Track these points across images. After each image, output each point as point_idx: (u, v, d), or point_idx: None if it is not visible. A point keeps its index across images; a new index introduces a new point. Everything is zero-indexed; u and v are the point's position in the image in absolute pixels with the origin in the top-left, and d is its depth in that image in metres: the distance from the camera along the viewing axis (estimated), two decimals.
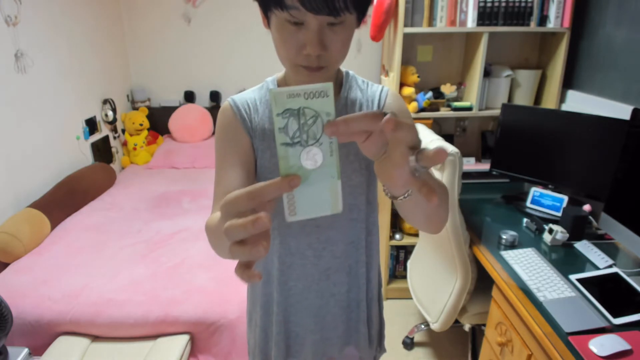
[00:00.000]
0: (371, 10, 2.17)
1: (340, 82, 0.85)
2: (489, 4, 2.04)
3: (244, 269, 0.41)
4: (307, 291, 0.91)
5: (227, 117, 0.82)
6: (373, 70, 2.93)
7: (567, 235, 1.59)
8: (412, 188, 0.46)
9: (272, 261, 0.90)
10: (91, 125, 2.64)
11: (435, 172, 1.56)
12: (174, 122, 3.01)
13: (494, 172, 2.05)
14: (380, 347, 1.06)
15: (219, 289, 1.64)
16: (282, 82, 0.85)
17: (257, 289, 0.95)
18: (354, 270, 0.93)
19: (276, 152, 0.42)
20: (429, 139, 1.61)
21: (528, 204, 1.89)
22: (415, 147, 0.43)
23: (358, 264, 0.92)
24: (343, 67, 0.85)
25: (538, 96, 2.31)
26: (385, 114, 0.42)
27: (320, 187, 0.43)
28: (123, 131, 3.02)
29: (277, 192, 0.40)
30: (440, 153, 0.40)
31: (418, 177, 0.44)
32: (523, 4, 2.05)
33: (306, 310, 0.93)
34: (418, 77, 2.26)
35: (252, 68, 3.03)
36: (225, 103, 0.84)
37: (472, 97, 2.24)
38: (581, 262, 1.50)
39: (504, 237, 1.60)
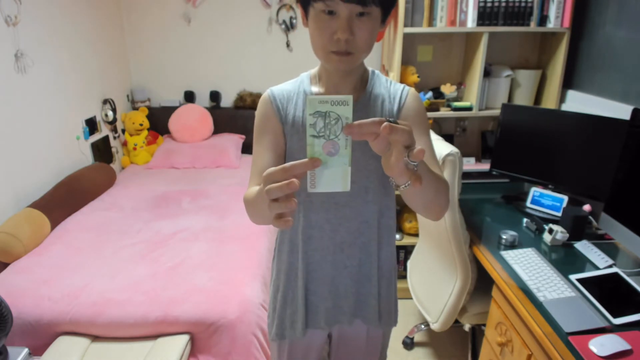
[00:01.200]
0: None
1: (366, 79, 0.96)
2: (489, 4, 2.04)
3: (279, 219, 0.58)
4: (324, 261, 1.02)
5: (265, 106, 0.96)
6: None
7: (567, 235, 1.59)
8: (406, 177, 0.60)
9: (297, 233, 1.02)
10: (91, 125, 2.64)
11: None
12: (174, 122, 3.01)
13: (494, 172, 2.05)
14: (389, 322, 1.11)
15: (219, 289, 1.64)
16: (314, 77, 0.97)
17: (284, 258, 1.06)
18: (366, 247, 1.02)
19: (302, 137, 0.56)
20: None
21: (528, 204, 1.89)
22: (410, 146, 0.57)
23: (370, 242, 1.02)
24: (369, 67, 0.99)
25: (538, 96, 2.31)
26: (388, 121, 0.55)
27: (335, 171, 0.58)
28: (123, 131, 3.02)
29: (303, 169, 0.57)
30: (419, 152, 0.57)
31: (411, 169, 0.59)
32: (523, 4, 2.05)
33: (322, 280, 1.04)
34: (418, 77, 2.26)
35: (252, 68, 3.02)
36: (265, 93, 0.97)
37: (472, 97, 2.24)
38: (581, 262, 1.50)
39: (504, 237, 1.60)
